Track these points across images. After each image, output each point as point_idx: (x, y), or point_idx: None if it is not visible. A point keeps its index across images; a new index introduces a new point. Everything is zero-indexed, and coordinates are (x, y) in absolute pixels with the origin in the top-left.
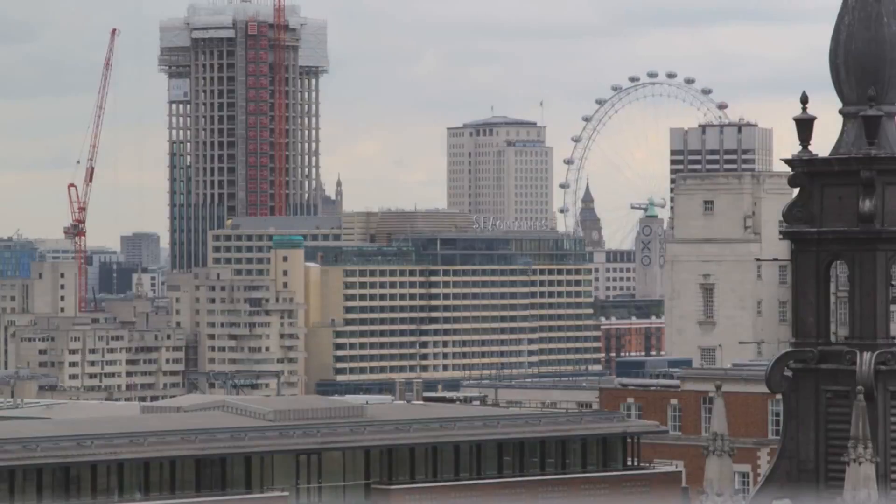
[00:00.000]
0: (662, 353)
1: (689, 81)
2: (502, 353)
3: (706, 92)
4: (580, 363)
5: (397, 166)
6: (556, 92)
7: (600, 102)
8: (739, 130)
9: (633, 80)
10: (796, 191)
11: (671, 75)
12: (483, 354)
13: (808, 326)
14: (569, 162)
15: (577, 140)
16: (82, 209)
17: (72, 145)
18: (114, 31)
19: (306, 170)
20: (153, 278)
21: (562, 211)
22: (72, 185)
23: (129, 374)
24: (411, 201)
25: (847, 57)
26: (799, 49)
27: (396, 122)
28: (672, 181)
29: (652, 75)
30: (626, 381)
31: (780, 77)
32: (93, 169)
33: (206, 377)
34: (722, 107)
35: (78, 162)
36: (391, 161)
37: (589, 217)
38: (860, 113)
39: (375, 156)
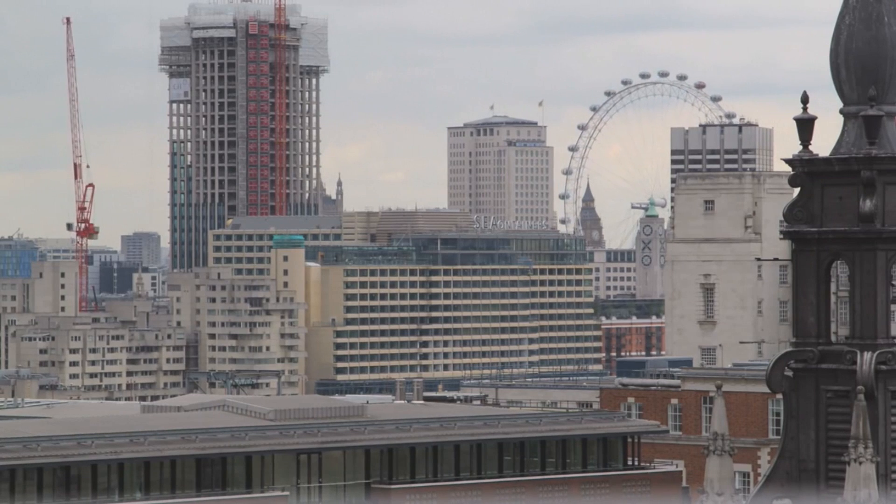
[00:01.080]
0: (663, 352)
1: (682, 78)
2: (503, 353)
3: (681, 78)
4: (580, 363)
5: (360, 167)
6: (552, 93)
7: (598, 106)
8: (740, 130)
9: (643, 76)
10: (797, 191)
11: (669, 75)
12: (483, 354)
13: (808, 326)
14: (567, 172)
15: (574, 149)
16: (82, 208)
17: (68, 143)
18: (67, 19)
19: (307, 169)
20: (154, 278)
21: (562, 197)
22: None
23: (129, 373)
24: (411, 201)
25: (847, 56)
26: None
27: (374, 123)
28: (672, 181)
29: (663, 74)
30: (626, 380)
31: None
32: (77, 165)
33: (206, 377)
34: (700, 86)
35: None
36: (353, 162)
37: (589, 217)
38: (861, 113)
39: (352, 156)
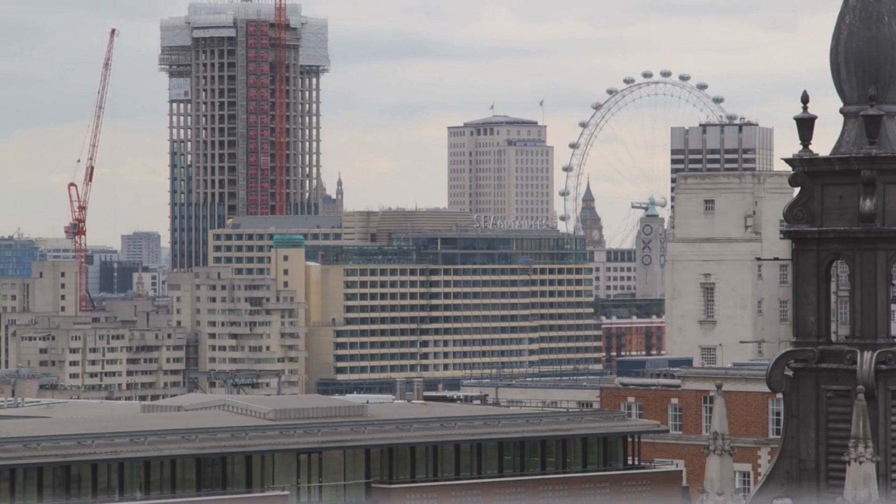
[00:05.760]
0: (663, 352)
1: (684, 78)
2: (503, 353)
3: (683, 78)
4: (581, 362)
5: (361, 166)
6: (552, 94)
7: (597, 106)
8: (740, 130)
9: (646, 74)
10: (797, 190)
11: (666, 73)
12: (484, 354)
13: (808, 326)
14: (567, 169)
15: (575, 146)
16: (82, 208)
17: (72, 143)
18: (113, 31)
19: (307, 169)
20: (154, 277)
21: (562, 194)
22: (72, 184)
23: (129, 373)
24: (412, 200)
25: (847, 56)
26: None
27: (374, 122)
28: (673, 180)
29: (647, 75)
30: (626, 380)
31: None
32: (93, 168)
33: (206, 376)
34: (702, 87)
35: (78, 161)
36: (353, 161)
37: (589, 216)
38: (861, 112)
39: (352, 155)
